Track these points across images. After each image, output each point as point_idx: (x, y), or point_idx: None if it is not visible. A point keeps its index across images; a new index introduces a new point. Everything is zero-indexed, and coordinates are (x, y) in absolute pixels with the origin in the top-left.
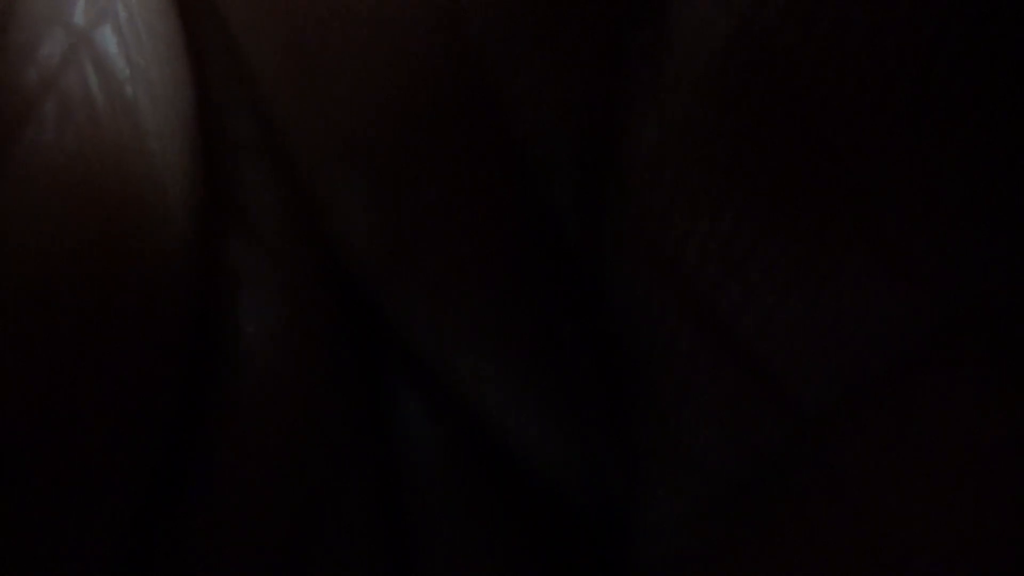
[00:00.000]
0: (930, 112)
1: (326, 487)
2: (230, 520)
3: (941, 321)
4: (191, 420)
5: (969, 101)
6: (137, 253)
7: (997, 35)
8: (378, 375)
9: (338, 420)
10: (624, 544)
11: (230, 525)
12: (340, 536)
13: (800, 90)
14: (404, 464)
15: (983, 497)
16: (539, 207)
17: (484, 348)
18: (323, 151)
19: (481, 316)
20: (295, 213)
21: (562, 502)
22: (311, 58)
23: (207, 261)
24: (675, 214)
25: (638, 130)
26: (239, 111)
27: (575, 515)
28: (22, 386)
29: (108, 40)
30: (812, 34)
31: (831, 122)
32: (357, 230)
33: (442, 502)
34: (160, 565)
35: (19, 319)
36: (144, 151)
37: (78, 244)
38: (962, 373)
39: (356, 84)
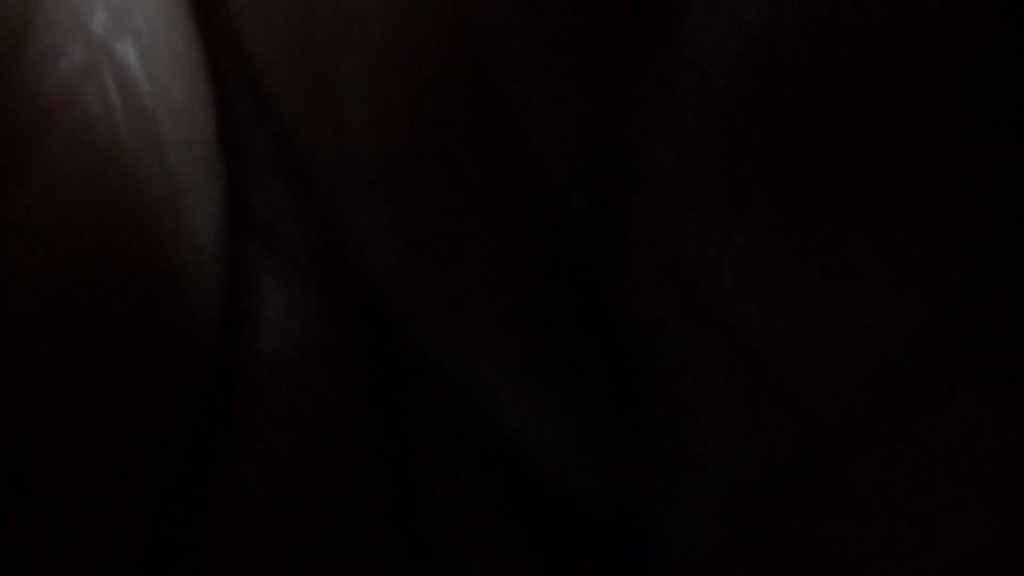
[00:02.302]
0: (941, 128)
1: (345, 498)
2: (249, 530)
3: (949, 331)
4: (211, 431)
5: (981, 118)
6: (156, 266)
7: (1007, 53)
8: (397, 386)
9: (357, 431)
10: (639, 552)
11: (249, 535)
12: (358, 546)
13: (812, 107)
14: (422, 475)
15: (993, 505)
16: (554, 222)
17: (501, 360)
18: (339, 168)
19: (498, 329)
20: (314, 227)
21: (578, 510)
22: (326, 77)
23: (227, 274)
24: (688, 229)
25: (651, 146)
26: (257, 128)
27: (591, 523)
28: (41, 396)
29: (128, 53)
30: (824, 53)
31: (843, 138)
32: (375, 245)
33: (460, 512)
34: (177, 574)
35: (39, 331)
36: (163, 165)
37: (97, 257)
38: (970, 382)
39: (370, 102)
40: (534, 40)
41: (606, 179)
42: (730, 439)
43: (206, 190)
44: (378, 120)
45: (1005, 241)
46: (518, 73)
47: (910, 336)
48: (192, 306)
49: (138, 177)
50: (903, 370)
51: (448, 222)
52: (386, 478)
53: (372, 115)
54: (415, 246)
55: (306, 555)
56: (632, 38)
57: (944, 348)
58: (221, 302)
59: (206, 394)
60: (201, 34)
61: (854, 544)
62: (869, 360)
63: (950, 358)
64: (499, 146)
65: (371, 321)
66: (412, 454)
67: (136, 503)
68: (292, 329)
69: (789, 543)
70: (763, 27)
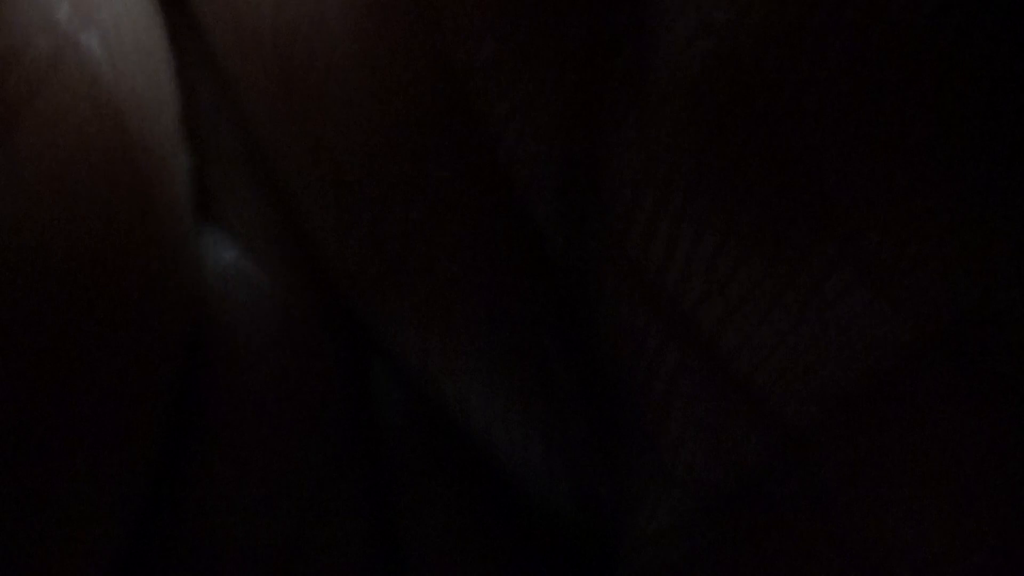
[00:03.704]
0: (912, 133)
1: (316, 494)
2: (222, 525)
3: (921, 337)
4: (181, 429)
5: (953, 123)
6: (124, 260)
7: (978, 59)
8: (367, 385)
9: (329, 428)
10: (611, 556)
11: (222, 531)
12: (330, 542)
13: (780, 110)
14: (394, 474)
15: (964, 510)
16: (523, 227)
17: (469, 364)
18: (308, 170)
19: (466, 334)
20: (283, 226)
21: (549, 513)
22: (295, 82)
23: (194, 268)
24: (658, 233)
25: (621, 151)
26: (225, 126)
27: (562, 525)
28: (18, 387)
29: (94, 46)
30: (791, 56)
31: (812, 142)
32: (344, 247)
33: (432, 511)
34: (155, 570)
35: (5, 329)
36: (129, 160)
37: (64, 252)
38: (942, 388)
39: (339, 107)
40: (502, 46)
41: (575, 183)
42: (700, 442)
43: (172, 184)
44: (346, 123)
45: (979, 248)
46: (488, 81)
47: (882, 342)
48: (159, 298)
49: (104, 171)
50: (875, 375)
51: (417, 229)
52: (357, 477)
53: (340, 118)
54: (384, 252)
55: (279, 551)
56: (601, 42)
57: (917, 355)
58: (188, 295)
59: (175, 389)
60: (168, 29)
61: (826, 547)
62: (840, 365)
63: (923, 365)
64: (468, 151)
65: (340, 321)
66: (380, 447)
67: (108, 501)
68: (260, 324)
69: (761, 547)
70: (730, 28)
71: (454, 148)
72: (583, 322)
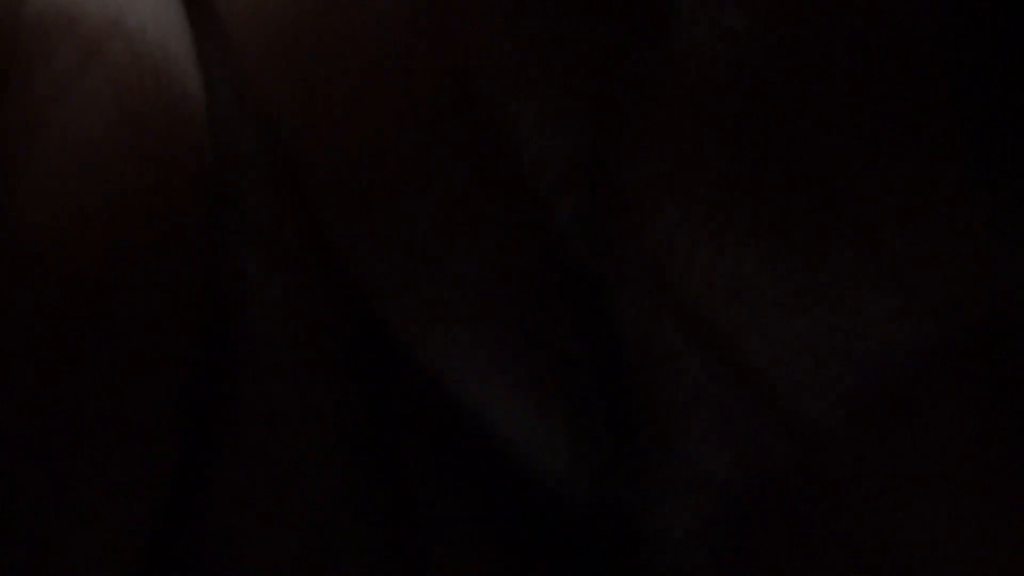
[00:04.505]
0: (932, 136)
1: (332, 494)
2: (239, 526)
3: (942, 340)
4: (198, 428)
5: (972, 124)
6: (147, 261)
7: (994, 58)
8: (384, 385)
9: (347, 432)
10: (630, 559)
11: (239, 531)
12: (346, 543)
13: (799, 115)
14: (409, 472)
15: (985, 515)
16: (543, 230)
17: (489, 364)
18: (327, 172)
19: (487, 337)
20: (301, 226)
21: (567, 516)
22: (315, 84)
23: (216, 266)
24: (678, 237)
25: (640, 155)
26: (246, 126)
27: (580, 529)
28: (28, 400)
29: (119, 51)
30: (809, 60)
31: (832, 146)
32: (363, 250)
33: (448, 513)
34: (170, 570)
35: (19, 342)
36: (154, 168)
37: (88, 258)
38: (963, 391)
39: (359, 109)
40: (520, 48)
41: (595, 188)
42: (719, 443)
43: (195, 184)
44: (366, 126)
45: (1001, 252)
46: (507, 83)
47: (899, 343)
48: (179, 298)
49: (127, 180)
50: (896, 379)
51: (436, 227)
52: (375, 482)
53: (360, 120)
54: (403, 254)
55: (295, 556)
56: (621, 49)
57: (938, 358)
58: (211, 292)
59: (192, 387)
60: (194, 39)
61: (843, 552)
62: (858, 366)
63: (944, 368)
64: (488, 155)
65: (359, 323)
66: (399, 451)
67: (125, 501)
68: (278, 323)
69: (783, 551)
70: (748, 33)
71: (472, 150)
72: (604, 326)
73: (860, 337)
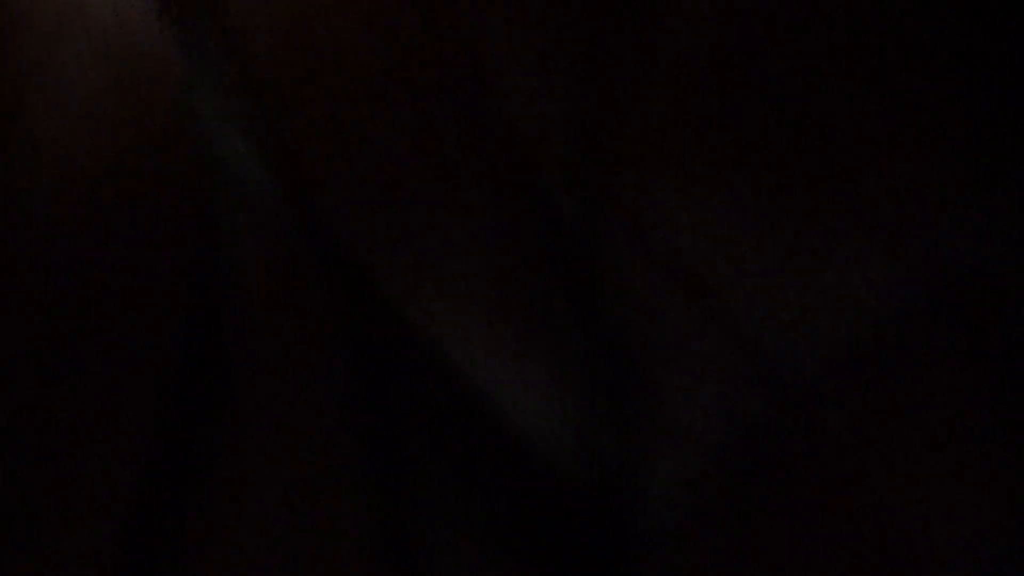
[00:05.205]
0: (917, 95)
1: (322, 468)
2: (230, 506)
3: (923, 295)
4: (188, 400)
5: (957, 82)
6: (132, 226)
7: (978, 18)
8: (375, 349)
9: (334, 393)
10: (618, 515)
11: (230, 512)
12: (337, 517)
13: (792, 77)
14: (402, 437)
15: (966, 466)
16: (532, 188)
17: (478, 325)
18: (316, 131)
19: (475, 294)
20: (288, 188)
21: (556, 476)
22: (304, 41)
23: (203, 231)
24: (666, 194)
25: (632, 113)
26: (230, 85)
27: (570, 490)
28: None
29: (100, 12)
30: (803, 21)
31: (824, 110)
32: (351, 211)
33: (439, 476)
34: (159, 557)
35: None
36: (139, 122)
37: (76, 205)
38: (944, 345)
39: (349, 68)
40: (515, 9)
41: (585, 147)
42: (706, 399)
43: (179, 152)
44: (355, 82)
45: (984, 208)
46: (498, 42)
47: (885, 300)
48: (166, 263)
49: (111, 144)
50: (878, 333)
51: (425, 185)
52: (364, 442)
53: (350, 83)
54: (393, 214)
55: (286, 531)
56: (613, 6)
57: (919, 313)
58: (194, 260)
59: (181, 360)
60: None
61: (829, 505)
62: (842, 322)
63: (925, 322)
64: (478, 115)
65: (348, 285)
66: (391, 417)
67: (113, 482)
68: (265, 287)
69: (767, 505)
70: None
71: (463, 109)
72: (591, 282)
73: (845, 293)
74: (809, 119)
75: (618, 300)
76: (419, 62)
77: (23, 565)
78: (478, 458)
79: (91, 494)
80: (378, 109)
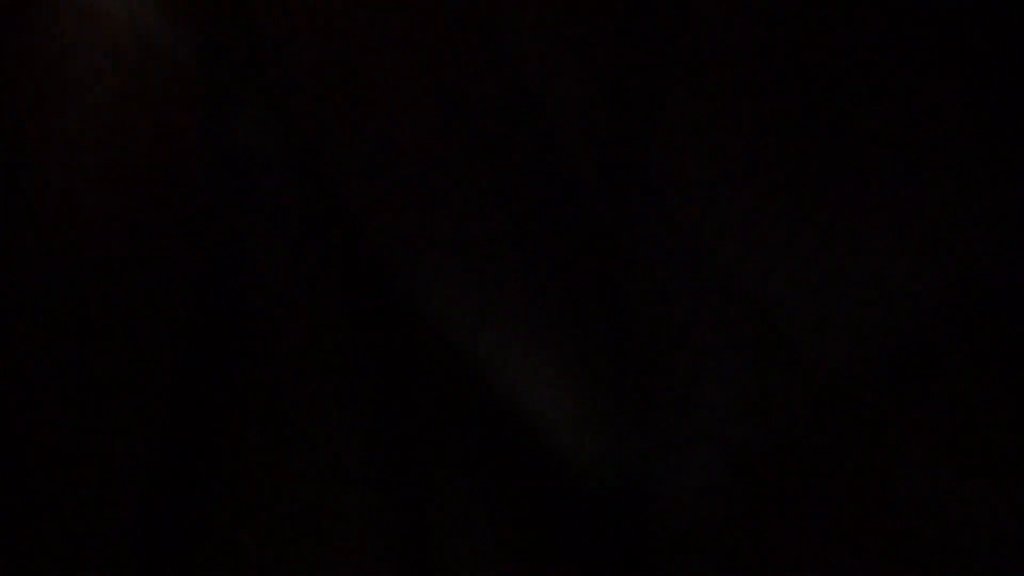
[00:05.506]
0: (951, 98)
1: (340, 459)
2: (245, 489)
3: (959, 299)
4: (203, 389)
5: (991, 86)
6: (152, 221)
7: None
8: (396, 343)
9: (356, 390)
10: (642, 517)
11: (245, 494)
12: (352, 510)
13: (824, 68)
14: (420, 438)
15: (995, 469)
16: (561, 184)
17: (502, 318)
18: (337, 126)
19: (500, 287)
20: (308, 186)
21: (578, 474)
22: (328, 36)
23: (218, 231)
24: (697, 188)
25: (664, 109)
26: (252, 83)
27: (591, 488)
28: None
29: (118, 16)
30: (833, 21)
31: (856, 102)
32: (371, 204)
33: (456, 474)
34: (171, 557)
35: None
36: (150, 103)
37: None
38: (978, 350)
39: (373, 59)
40: (547, 8)
41: (617, 141)
42: (735, 397)
43: (196, 147)
44: (379, 74)
45: (1012, 218)
46: (531, 37)
47: (918, 301)
48: (186, 260)
49: (130, 142)
50: (911, 329)
51: (450, 182)
52: (380, 441)
53: (372, 67)
54: (414, 206)
55: (298, 526)
56: (645, 5)
57: (952, 315)
58: (212, 260)
59: (196, 351)
60: None
61: (857, 505)
62: (875, 322)
63: (957, 325)
64: (511, 106)
65: (367, 280)
66: (408, 416)
67: (125, 481)
68: (283, 279)
69: (795, 505)
70: None
71: (490, 103)
72: (621, 279)
73: (875, 291)
74: (844, 114)
75: (649, 297)
76: (447, 55)
77: (35, 567)
78: (498, 459)
79: (103, 495)
80: (402, 102)
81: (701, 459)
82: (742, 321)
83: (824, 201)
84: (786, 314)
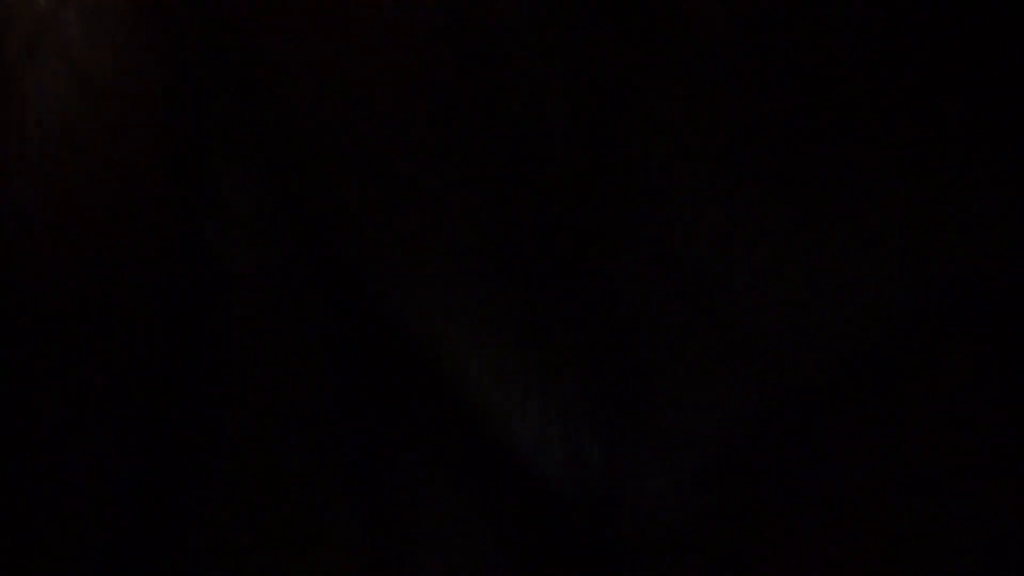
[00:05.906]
0: (938, 103)
1: (311, 474)
2: (220, 505)
3: (931, 304)
4: (174, 403)
5: (973, 95)
6: (115, 234)
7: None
8: (363, 357)
9: (323, 398)
10: (610, 523)
11: (220, 509)
12: (323, 517)
13: (810, 73)
14: (391, 445)
15: (967, 476)
16: (533, 191)
17: (468, 323)
18: (309, 135)
19: (467, 292)
20: (274, 195)
21: (545, 482)
22: (299, 47)
23: (184, 246)
24: (666, 193)
25: (647, 113)
26: (217, 88)
27: (559, 495)
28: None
29: (72, 24)
30: (813, 25)
31: (843, 106)
32: (344, 211)
33: (430, 477)
34: (146, 557)
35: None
36: (113, 139)
37: (54, 242)
38: (951, 354)
39: (344, 65)
40: (526, 13)
41: (587, 145)
42: (702, 402)
43: (159, 162)
44: (351, 80)
45: (990, 222)
46: (508, 43)
47: (890, 306)
48: (151, 270)
49: (87, 155)
50: (883, 333)
51: (422, 188)
52: (353, 448)
53: (343, 74)
54: (386, 213)
55: (272, 531)
56: (624, 12)
57: (926, 315)
58: (182, 273)
59: (168, 362)
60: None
61: (826, 511)
62: (849, 326)
63: (928, 331)
64: (479, 113)
65: (339, 287)
66: (380, 424)
67: (100, 483)
68: (251, 297)
69: (762, 511)
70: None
71: (464, 109)
72: (587, 281)
73: (846, 298)
74: (831, 118)
75: (618, 303)
76: (422, 54)
77: (10, 565)
78: (468, 467)
79: (78, 496)
80: (372, 102)
81: (668, 461)
82: (711, 323)
83: (798, 208)
84: (755, 319)
